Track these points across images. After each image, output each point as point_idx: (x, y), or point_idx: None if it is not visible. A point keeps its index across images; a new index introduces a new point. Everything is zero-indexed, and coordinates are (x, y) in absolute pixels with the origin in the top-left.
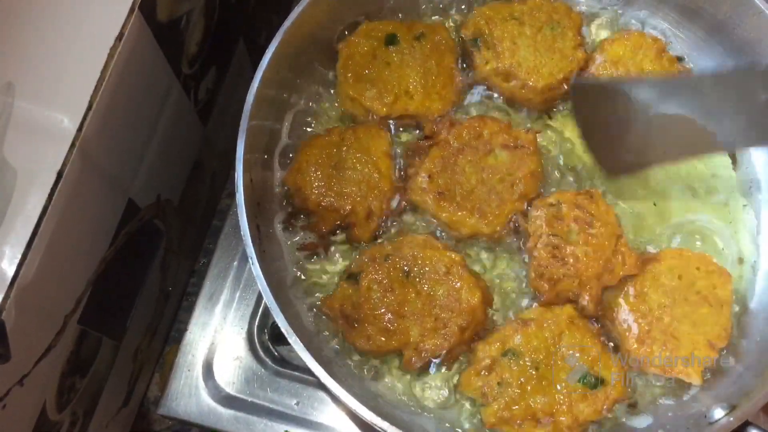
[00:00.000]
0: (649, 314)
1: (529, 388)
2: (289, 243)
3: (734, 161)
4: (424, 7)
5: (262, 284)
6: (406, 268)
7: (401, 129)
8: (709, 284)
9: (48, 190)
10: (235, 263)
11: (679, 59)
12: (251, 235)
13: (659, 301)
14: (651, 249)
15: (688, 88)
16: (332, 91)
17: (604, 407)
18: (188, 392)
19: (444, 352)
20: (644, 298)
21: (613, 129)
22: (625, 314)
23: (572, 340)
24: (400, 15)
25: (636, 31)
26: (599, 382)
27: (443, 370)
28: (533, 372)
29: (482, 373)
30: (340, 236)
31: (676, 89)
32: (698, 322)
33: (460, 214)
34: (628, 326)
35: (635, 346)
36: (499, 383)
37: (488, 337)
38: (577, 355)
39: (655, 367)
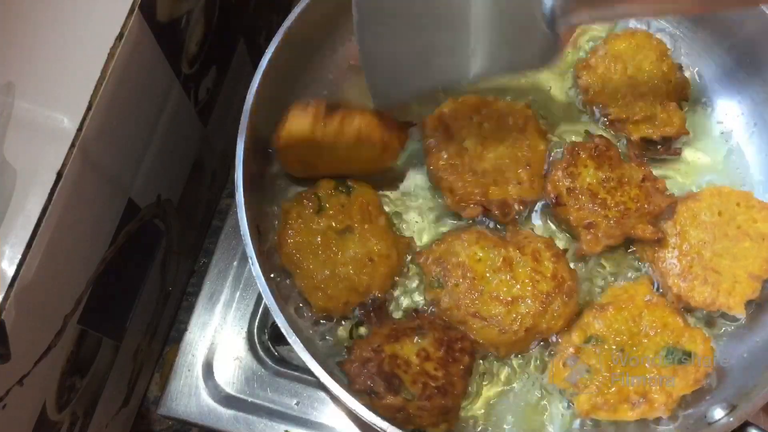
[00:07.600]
0: (689, 251)
1: (618, 371)
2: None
3: None
4: None
5: (262, 284)
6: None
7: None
8: (750, 218)
9: (48, 190)
10: (235, 263)
11: (680, 68)
12: (251, 235)
13: (699, 238)
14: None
15: None
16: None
17: (696, 379)
18: (188, 392)
19: None
20: (684, 236)
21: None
22: (665, 252)
23: (653, 317)
24: None
25: (643, 31)
26: (687, 356)
27: None
28: (619, 354)
29: (568, 362)
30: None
31: None
32: (739, 256)
33: None
34: (670, 264)
35: (677, 282)
36: (587, 370)
37: (568, 328)
38: (660, 331)
39: (697, 301)
